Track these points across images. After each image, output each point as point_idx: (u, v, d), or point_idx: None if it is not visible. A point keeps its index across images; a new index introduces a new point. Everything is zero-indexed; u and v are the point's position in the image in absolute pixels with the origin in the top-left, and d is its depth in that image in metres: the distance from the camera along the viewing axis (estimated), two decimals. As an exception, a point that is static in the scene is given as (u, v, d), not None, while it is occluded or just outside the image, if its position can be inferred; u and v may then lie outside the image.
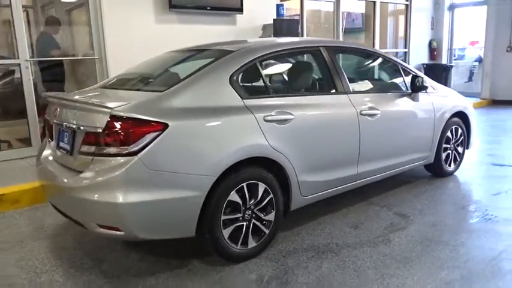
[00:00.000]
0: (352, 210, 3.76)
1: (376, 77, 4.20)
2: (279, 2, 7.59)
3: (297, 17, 8.04)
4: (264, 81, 3.08)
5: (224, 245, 2.76)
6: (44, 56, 5.91)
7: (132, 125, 2.44)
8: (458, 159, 4.73)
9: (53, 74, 6.15)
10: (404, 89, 4.04)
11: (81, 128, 2.61)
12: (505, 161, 5.24)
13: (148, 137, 2.44)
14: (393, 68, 4.10)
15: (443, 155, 4.50)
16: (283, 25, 7.03)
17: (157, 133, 2.46)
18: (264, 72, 3.12)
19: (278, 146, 2.92)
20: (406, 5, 10.55)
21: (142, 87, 3.11)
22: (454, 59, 11.61)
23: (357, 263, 2.84)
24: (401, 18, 11.29)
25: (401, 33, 10.88)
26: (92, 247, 3.23)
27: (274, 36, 7.09)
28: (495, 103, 10.04)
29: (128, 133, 2.42)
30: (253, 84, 3.06)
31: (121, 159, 2.42)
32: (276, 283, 2.63)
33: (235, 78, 2.89)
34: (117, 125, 2.45)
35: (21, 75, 5.42)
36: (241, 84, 2.94)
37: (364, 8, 10.69)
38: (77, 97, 2.92)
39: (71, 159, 2.78)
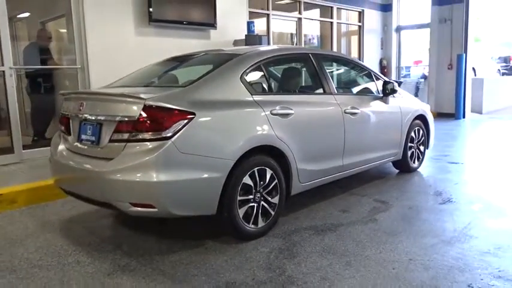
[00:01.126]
0: (338, 199, 4.22)
1: (353, 81, 4.75)
2: (249, 20, 8.13)
3: (265, 36, 8.58)
4: (267, 81, 3.51)
5: (239, 223, 3.10)
6: (32, 64, 6.02)
7: (165, 113, 2.77)
8: (421, 157, 5.38)
9: (44, 83, 6.27)
10: (376, 93, 4.63)
11: (114, 118, 2.88)
12: (458, 160, 5.98)
13: (179, 124, 2.77)
14: (367, 74, 4.69)
15: (409, 153, 5.12)
16: (254, 41, 7.54)
17: (186, 121, 2.80)
18: (267, 72, 3.55)
19: (282, 137, 3.34)
20: (359, 26, 11.50)
21: (163, 85, 3.43)
22: (402, 77, 12.69)
23: (353, 236, 3.28)
24: (354, 38, 12.26)
25: (353, 51, 11.80)
26: (107, 235, 3.45)
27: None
28: (440, 115, 11.10)
29: (162, 120, 2.75)
30: (259, 82, 3.47)
31: (155, 144, 2.73)
32: (288, 253, 3.01)
33: (244, 77, 3.30)
34: (151, 113, 2.76)
35: (4, 82, 5.50)
36: (249, 82, 3.35)
37: (320, 29, 11.52)
38: (107, 90, 3.19)
39: (97, 149, 3.04)
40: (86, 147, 3.16)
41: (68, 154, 3.32)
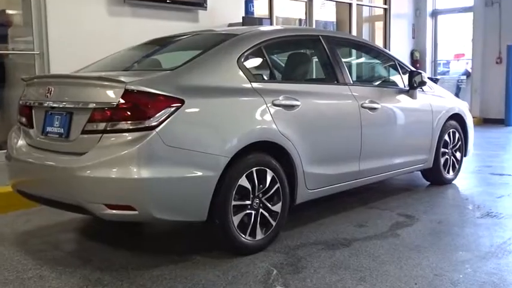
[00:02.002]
0: (353, 212, 4.51)
1: (373, 70, 5.07)
2: (247, -2, 8.50)
3: (266, 19, 8.95)
4: (269, 66, 3.83)
5: (233, 233, 3.37)
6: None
7: (148, 100, 3.07)
8: (457, 167, 5.68)
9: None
10: (401, 85, 4.94)
11: (88, 105, 3.18)
12: (504, 171, 6.28)
13: (166, 112, 3.07)
14: (390, 63, 5.02)
15: (442, 160, 5.41)
16: (253, 24, 7.90)
17: (174, 109, 3.09)
18: (269, 56, 3.87)
19: (286, 132, 3.63)
20: (385, 10, 11.91)
21: (145, 69, 3.74)
22: (438, 73, 13.08)
23: (369, 251, 3.56)
24: (378, 25, 12.68)
25: (378, 41, 12.19)
26: (73, 249, 3.73)
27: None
28: (486, 122, 11.45)
29: (145, 107, 3.04)
30: (259, 68, 3.78)
31: (137, 134, 3.02)
32: (291, 268, 3.27)
33: (242, 60, 3.61)
34: (133, 99, 3.06)
35: None
36: (248, 67, 3.66)
37: (336, 13, 11.95)
38: (80, 74, 3.50)
39: (66, 142, 3.33)
40: (52, 141, 3.45)
41: (29, 150, 3.61)
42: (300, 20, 10.81)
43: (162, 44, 4.42)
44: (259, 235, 3.54)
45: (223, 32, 4.08)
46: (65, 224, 4.32)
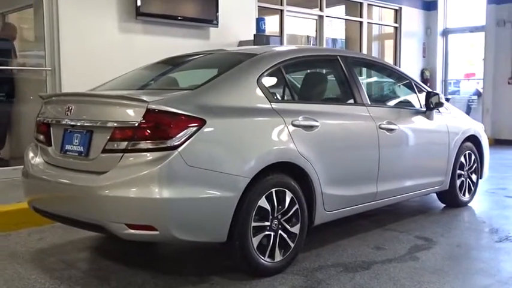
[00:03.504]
0: (369, 235, 4.53)
1: (390, 91, 5.13)
2: (258, 17, 8.62)
3: (276, 37, 9.05)
4: (288, 86, 3.90)
5: (253, 254, 3.41)
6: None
7: (170, 119, 3.13)
8: (473, 189, 5.71)
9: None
10: (417, 106, 5.00)
11: (109, 124, 3.24)
12: (519, 194, 6.32)
13: (188, 132, 3.13)
14: (406, 83, 5.08)
15: (458, 182, 5.45)
16: (264, 42, 8.01)
17: (195, 128, 3.15)
18: (288, 76, 3.94)
19: (305, 153, 3.68)
20: (396, 28, 12.04)
21: (163, 87, 3.81)
22: (449, 93, 13.16)
23: (390, 274, 3.58)
24: (388, 43, 12.81)
25: (388, 59, 12.30)
26: (89, 268, 3.75)
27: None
28: (498, 142, 11.48)
29: (167, 127, 3.10)
30: (278, 88, 3.85)
31: (159, 154, 3.08)
32: (312, 292, 3.31)
33: (261, 80, 3.68)
34: (155, 118, 3.12)
35: None
36: (267, 87, 3.72)
37: (345, 31, 12.09)
38: (101, 92, 3.57)
39: (86, 161, 3.38)
40: (71, 159, 3.51)
41: (47, 168, 3.67)
42: (308, 36, 10.98)
43: (177, 62, 4.50)
44: (278, 257, 3.57)
45: (240, 52, 4.17)
46: (79, 242, 4.37)
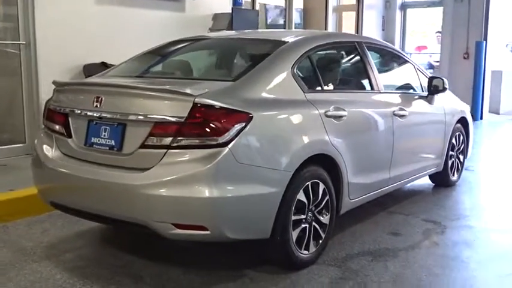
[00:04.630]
0: (378, 219, 4.62)
1: (395, 76, 5.16)
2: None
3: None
4: (316, 75, 3.83)
5: (292, 248, 3.40)
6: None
7: (219, 114, 3.01)
8: (460, 168, 5.92)
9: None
10: (420, 90, 5.08)
11: (150, 118, 3.07)
12: (484, 168, 6.63)
13: (237, 127, 3.02)
14: (410, 68, 5.13)
15: (449, 163, 5.62)
16: (242, 16, 7.84)
17: (244, 124, 3.05)
18: (315, 65, 3.86)
19: (336, 144, 3.67)
20: (358, 0, 12.09)
21: (199, 77, 3.66)
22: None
23: (419, 262, 3.69)
24: (345, 15, 12.87)
25: (348, 30, 12.37)
26: (116, 265, 3.60)
27: (228, 29, 7.87)
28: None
29: (217, 123, 2.99)
30: (308, 77, 3.77)
31: (209, 151, 2.97)
32: (353, 283, 3.34)
33: (295, 70, 3.60)
34: (203, 113, 2.99)
35: None
36: (300, 77, 3.65)
37: (303, 1, 11.99)
38: (139, 84, 3.37)
39: (119, 156, 3.21)
40: (99, 153, 3.32)
41: (68, 161, 3.46)
42: (276, 6, 10.84)
43: (193, 48, 4.30)
44: (312, 248, 3.58)
45: (263, 38, 4.03)
46: (87, 233, 4.19)
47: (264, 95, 3.34)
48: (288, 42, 3.79)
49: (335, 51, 4.42)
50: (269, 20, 10.82)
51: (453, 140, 5.61)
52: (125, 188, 3.09)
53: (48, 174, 3.54)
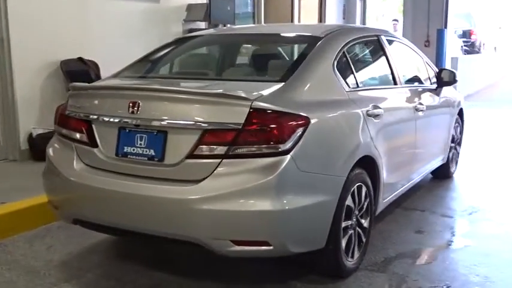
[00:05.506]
0: (397, 216, 4.53)
1: (409, 69, 5.06)
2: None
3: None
4: (352, 72, 3.64)
5: (341, 256, 3.22)
6: None
7: (281, 119, 2.77)
8: (457, 159, 5.94)
9: None
10: (428, 83, 5.00)
11: (198, 125, 2.80)
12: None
13: (298, 133, 2.79)
14: (419, 60, 5.04)
15: (450, 155, 5.62)
16: (220, 6, 7.53)
17: (303, 128, 2.82)
18: (351, 61, 3.67)
19: (376, 144, 3.51)
20: (322, -11, 12.00)
21: (236, 76, 3.39)
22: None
23: (461, 263, 3.61)
24: (303, 3, 12.73)
25: (309, 19, 12.23)
26: (144, 282, 3.30)
27: (205, 20, 7.58)
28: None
29: (280, 129, 2.75)
30: (346, 74, 3.56)
31: (271, 160, 2.72)
32: (407, 290, 3.22)
33: (335, 68, 3.40)
34: (263, 119, 2.75)
35: None
36: (340, 74, 3.45)
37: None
38: (184, 88, 3.07)
39: (161, 167, 2.91)
40: (135, 164, 3.01)
41: (97, 174, 3.11)
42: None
43: (220, 42, 4.02)
44: (356, 254, 3.43)
45: (294, 33, 3.80)
46: (99, 247, 3.86)
47: (314, 96, 3.12)
48: (322, 37, 3.57)
49: (364, 46, 4.25)
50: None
51: (452, 131, 5.60)
52: (175, 203, 2.81)
53: (70, 189, 3.19)
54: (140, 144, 2.99)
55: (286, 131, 2.77)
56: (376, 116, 3.55)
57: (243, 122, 2.73)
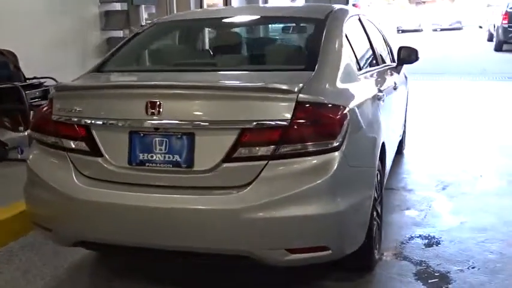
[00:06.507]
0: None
1: (379, 48, 4.97)
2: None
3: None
4: (355, 54, 3.45)
5: (371, 250, 3.09)
6: None
7: (329, 112, 2.54)
8: (405, 134, 6.06)
9: None
10: (388, 60, 4.97)
11: (234, 124, 2.49)
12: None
13: (345, 126, 2.57)
14: (381, 38, 4.98)
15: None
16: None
17: (347, 121, 2.60)
18: (351, 43, 3.47)
19: (384, 128, 3.38)
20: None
21: (257, 67, 3.08)
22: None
23: (466, 236, 3.63)
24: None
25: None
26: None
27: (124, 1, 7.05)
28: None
29: (331, 123, 2.51)
30: (352, 58, 3.36)
31: (324, 157, 2.49)
32: (437, 274, 3.16)
33: (346, 52, 3.20)
34: (312, 113, 2.49)
35: None
36: (350, 58, 3.25)
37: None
38: (213, 82, 2.69)
39: (190, 174, 2.57)
40: (156, 173, 2.62)
41: (107, 188, 2.67)
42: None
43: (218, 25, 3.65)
44: (377, 244, 3.31)
45: (294, 15, 3.53)
46: (82, 267, 3.38)
47: (341, 83, 2.89)
48: (325, 19, 3.33)
49: (353, 27, 4.06)
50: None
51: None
52: (218, 214, 2.48)
53: (72, 207, 2.70)
54: (160, 149, 2.61)
55: (337, 124, 2.54)
56: (382, 99, 3.44)
57: (289, 117, 2.46)
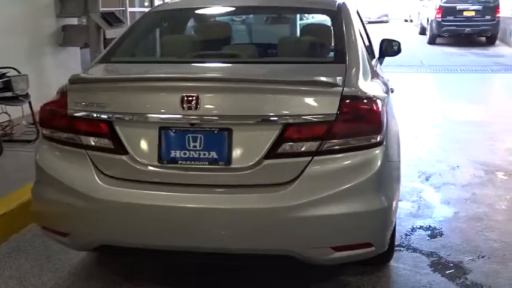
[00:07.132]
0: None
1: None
2: None
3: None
4: (365, 46, 3.43)
5: (393, 243, 3.09)
6: None
7: (371, 106, 2.50)
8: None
9: None
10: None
11: (275, 120, 2.40)
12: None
13: (385, 119, 2.54)
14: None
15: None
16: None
17: (386, 115, 2.58)
18: (362, 34, 3.46)
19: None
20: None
21: (286, 58, 2.99)
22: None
23: (461, 219, 3.72)
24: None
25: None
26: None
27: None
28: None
29: (374, 117, 2.47)
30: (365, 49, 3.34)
31: (368, 152, 2.45)
32: (452, 266, 3.21)
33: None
34: (356, 107, 2.45)
35: None
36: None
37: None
38: (256, 76, 2.55)
39: (228, 171, 2.45)
40: (190, 171, 2.48)
41: (134, 187, 2.50)
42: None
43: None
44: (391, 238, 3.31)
45: (306, 6, 3.45)
46: (96, 269, 3.19)
47: (369, 76, 2.89)
48: (338, 10, 3.29)
49: (357, 17, 4.04)
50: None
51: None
52: (260, 213, 2.39)
53: (95, 209, 2.51)
54: (195, 146, 2.47)
55: (380, 119, 2.50)
56: (392, 91, 3.44)
57: (335, 112, 2.39)
